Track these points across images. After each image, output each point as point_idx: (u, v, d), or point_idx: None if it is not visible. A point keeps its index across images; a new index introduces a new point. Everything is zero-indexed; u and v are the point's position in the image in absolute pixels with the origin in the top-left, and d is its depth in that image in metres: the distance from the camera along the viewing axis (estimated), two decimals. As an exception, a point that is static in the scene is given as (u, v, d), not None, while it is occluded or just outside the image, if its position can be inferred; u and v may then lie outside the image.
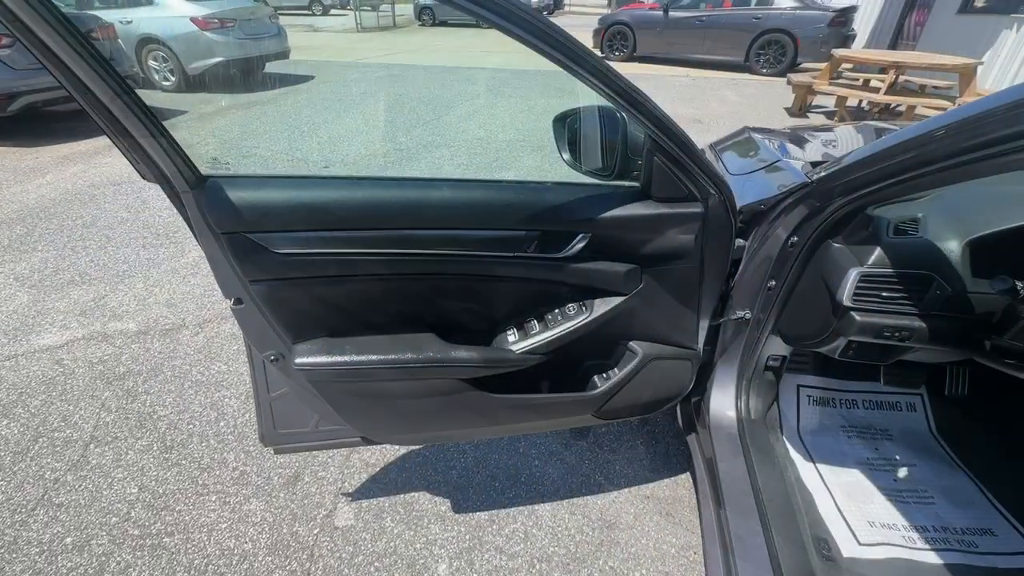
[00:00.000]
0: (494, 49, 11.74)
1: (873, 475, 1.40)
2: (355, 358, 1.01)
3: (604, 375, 1.26)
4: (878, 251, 0.99)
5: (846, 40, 8.01)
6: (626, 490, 1.64)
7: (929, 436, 1.52)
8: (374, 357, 1.01)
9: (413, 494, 1.59)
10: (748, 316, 1.30)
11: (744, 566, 1.06)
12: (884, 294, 1.00)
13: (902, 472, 1.41)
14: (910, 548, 1.22)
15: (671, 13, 9.29)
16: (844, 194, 0.98)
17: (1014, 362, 0.98)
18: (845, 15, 8.07)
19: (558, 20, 22.35)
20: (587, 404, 1.26)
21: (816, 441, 1.49)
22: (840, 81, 6.36)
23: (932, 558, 1.20)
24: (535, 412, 1.25)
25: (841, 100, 5.80)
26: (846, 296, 1.01)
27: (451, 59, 10.44)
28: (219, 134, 4.95)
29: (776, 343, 1.37)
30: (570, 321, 1.14)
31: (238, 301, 0.97)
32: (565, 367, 1.24)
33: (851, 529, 1.26)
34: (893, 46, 9.32)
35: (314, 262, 0.94)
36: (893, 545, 1.22)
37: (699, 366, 1.42)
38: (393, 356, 1.02)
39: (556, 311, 1.15)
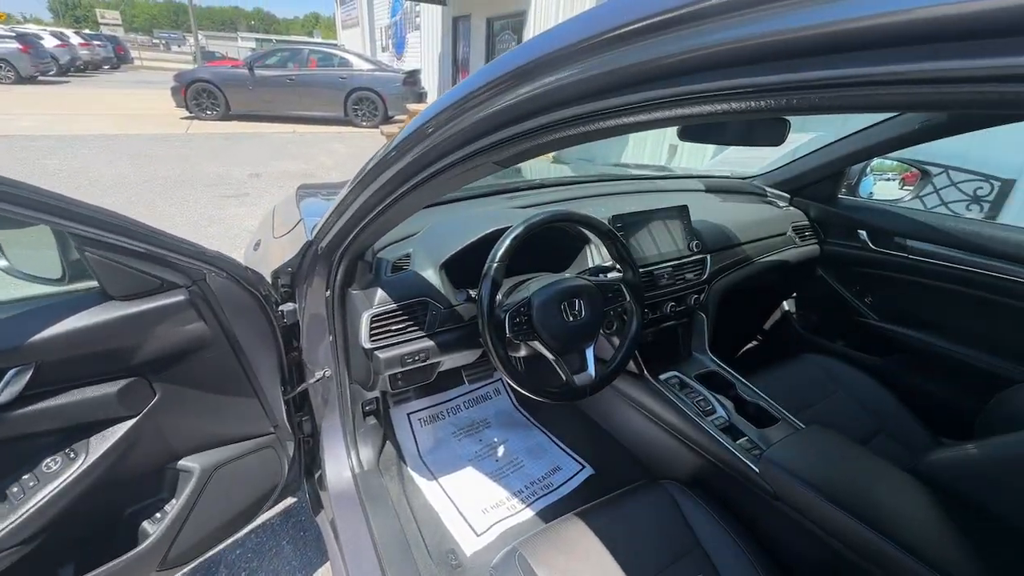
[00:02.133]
0: (19, 110, 8.89)
1: (482, 465, 1.61)
2: None
3: (157, 516, 1.00)
4: (380, 291, 1.10)
5: (420, 96, 9.60)
6: (273, 610, 1.41)
7: (514, 410, 1.86)
8: None
9: None
10: (328, 373, 1.28)
11: None
12: (395, 327, 1.12)
13: (501, 450, 1.68)
14: (513, 515, 1.44)
15: (257, 72, 9.09)
16: (337, 245, 1.04)
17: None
18: (413, 76, 9.66)
19: (125, 75, 18.90)
20: (142, 563, 0.97)
21: (436, 457, 1.62)
22: (422, 130, 7.57)
23: (528, 514, 1.44)
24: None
25: (426, 145, 6.89)
26: (364, 339, 1.09)
27: (-57, 127, 7.35)
28: None
29: (362, 390, 1.40)
30: (56, 479, 0.84)
31: None
32: (82, 535, 0.92)
33: (470, 526, 1.39)
34: (456, 100, 11.78)
35: None
36: (501, 520, 1.41)
37: (298, 442, 1.32)
38: None
39: (25, 477, 0.83)
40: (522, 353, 1.15)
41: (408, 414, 1.70)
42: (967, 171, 3.20)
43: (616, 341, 1.29)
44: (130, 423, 0.90)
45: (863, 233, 1.75)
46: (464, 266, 1.20)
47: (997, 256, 1.47)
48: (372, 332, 1.09)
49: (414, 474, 1.55)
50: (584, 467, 1.61)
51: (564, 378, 1.10)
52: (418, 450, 1.63)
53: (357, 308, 1.11)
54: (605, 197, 1.67)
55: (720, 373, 1.44)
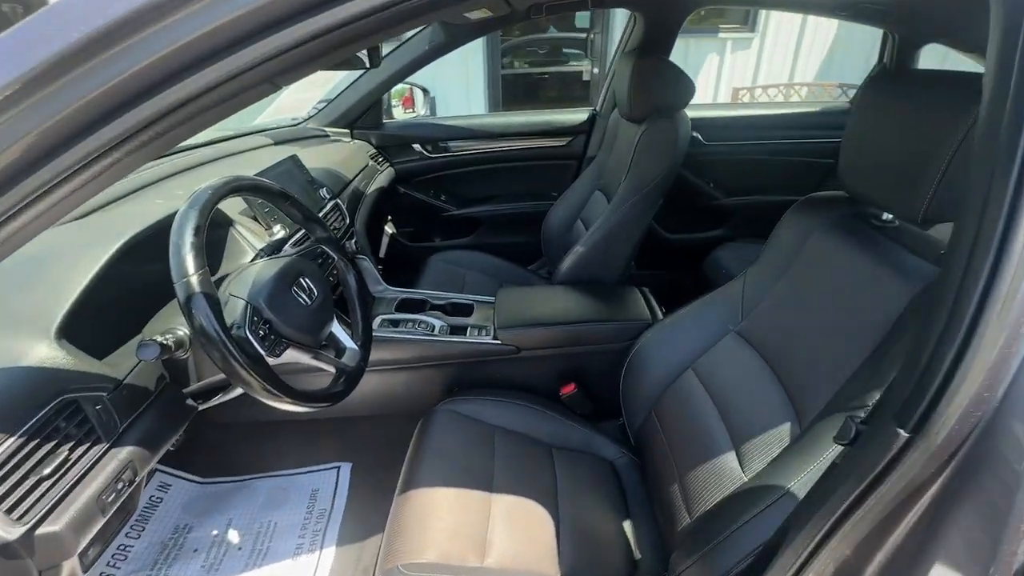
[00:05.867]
0: None
1: (226, 567, 1.17)
2: None
3: None
4: None
5: None
6: None
7: (205, 486, 1.37)
8: None
9: None
10: None
11: None
12: (47, 471, 0.59)
13: (233, 536, 1.25)
14: (319, 566, 1.17)
15: None
16: None
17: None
18: None
19: None
20: None
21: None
22: None
23: (330, 552, 1.21)
24: None
25: None
26: None
27: None
28: None
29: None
30: None
31: None
32: None
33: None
34: None
35: None
36: (310, 586, 1.13)
37: None
38: None
39: None
40: None
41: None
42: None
43: (345, 306, 1.13)
44: None
45: (417, 146, 2.08)
46: (95, 318, 0.72)
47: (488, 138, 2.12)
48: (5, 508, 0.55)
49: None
50: (340, 465, 1.43)
51: (335, 368, 0.91)
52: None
53: None
54: (189, 172, 1.29)
55: (408, 297, 1.51)
